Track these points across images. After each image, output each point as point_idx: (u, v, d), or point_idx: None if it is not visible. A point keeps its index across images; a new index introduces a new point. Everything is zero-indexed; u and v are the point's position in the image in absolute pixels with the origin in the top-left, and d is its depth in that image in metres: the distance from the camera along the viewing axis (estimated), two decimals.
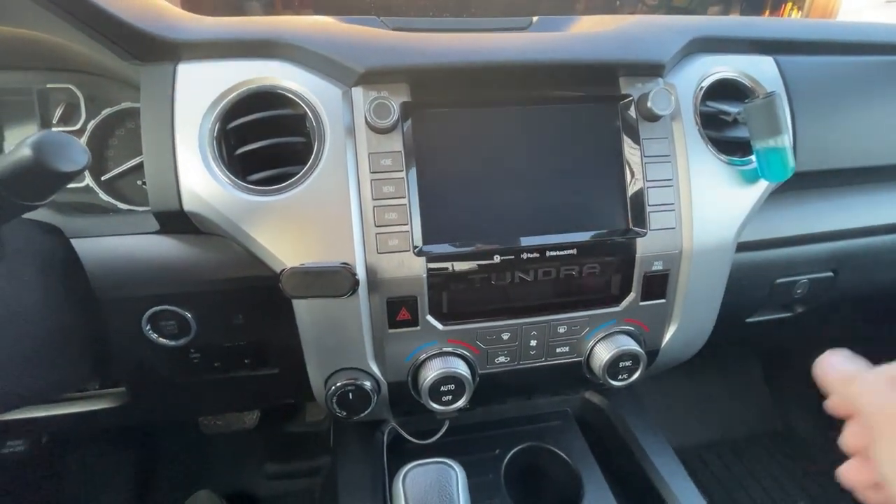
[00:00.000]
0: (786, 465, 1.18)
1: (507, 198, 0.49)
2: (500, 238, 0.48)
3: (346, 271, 0.43)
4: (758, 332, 0.78)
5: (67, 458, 1.04)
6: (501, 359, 0.53)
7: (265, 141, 0.46)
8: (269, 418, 1.20)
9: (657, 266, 0.51)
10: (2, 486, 0.93)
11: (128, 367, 0.58)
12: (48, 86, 0.60)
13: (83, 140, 0.60)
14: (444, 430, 0.66)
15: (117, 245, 0.50)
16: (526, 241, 0.49)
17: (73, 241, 0.49)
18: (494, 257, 0.48)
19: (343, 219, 0.45)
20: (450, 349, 0.51)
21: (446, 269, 0.48)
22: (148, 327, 0.52)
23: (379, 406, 0.52)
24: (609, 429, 0.77)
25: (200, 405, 0.73)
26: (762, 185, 0.55)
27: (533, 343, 0.52)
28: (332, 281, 0.43)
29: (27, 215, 0.43)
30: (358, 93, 0.47)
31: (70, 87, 0.61)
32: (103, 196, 0.61)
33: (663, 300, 0.53)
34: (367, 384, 0.50)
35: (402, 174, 0.46)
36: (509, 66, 0.48)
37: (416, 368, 0.51)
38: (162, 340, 0.53)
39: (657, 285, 0.52)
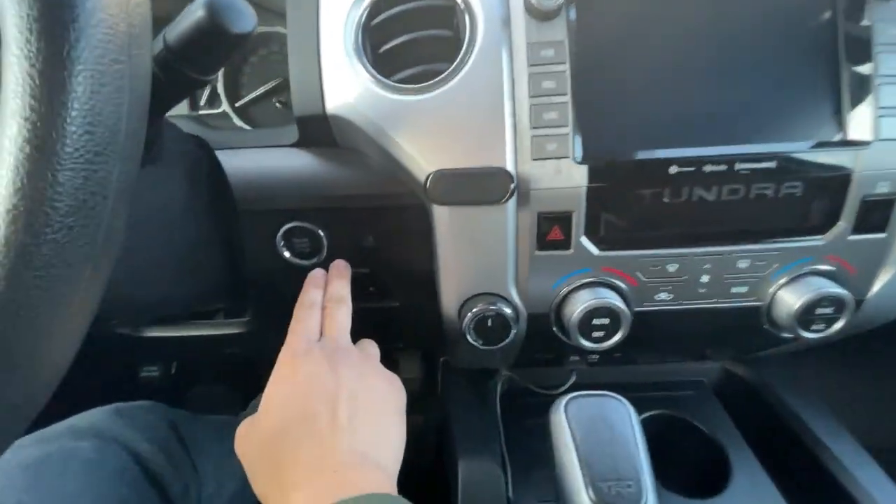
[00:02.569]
0: None
1: (687, 97, 0.41)
2: (677, 145, 0.40)
3: (503, 174, 0.38)
4: None
5: (190, 391, 1.14)
6: (663, 295, 0.45)
7: (414, 33, 0.42)
8: None
9: (882, 188, 0.40)
10: None
11: (258, 290, 0.58)
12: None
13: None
14: (570, 382, 0.60)
15: (258, 157, 0.49)
16: (710, 151, 0.40)
17: (217, 153, 0.49)
18: (670, 168, 0.40)
19: (495, 119, 0.40)
20: (603, 278, 0.44)
21: (610, 180, 0.41)
22: (282, 243, 0.51)
23: (515, 340, 0.47)
24: (759, 406, 0.66)
25: None
26: None
27: (704, 279, 0.44)
28: (486, 185, 0.39)
29: (175, 119, 0.43)
30: None
31: None
32: (237, 122, 0.62)
33: (883, 234, 0.42)
34: (508, 310, 0.45)
35: (565, 67, 0.40)
36: None
37: (563, 299, 0.45)
38: (294, 259, 0.52)
39: (878, 213, 0.41)
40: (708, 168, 0.40)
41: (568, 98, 0.40)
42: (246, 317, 0.65)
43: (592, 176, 0.40)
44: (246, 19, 0.31)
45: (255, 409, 0.36)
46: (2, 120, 0.17)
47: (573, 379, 0.59)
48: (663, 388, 0.67)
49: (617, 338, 0.44)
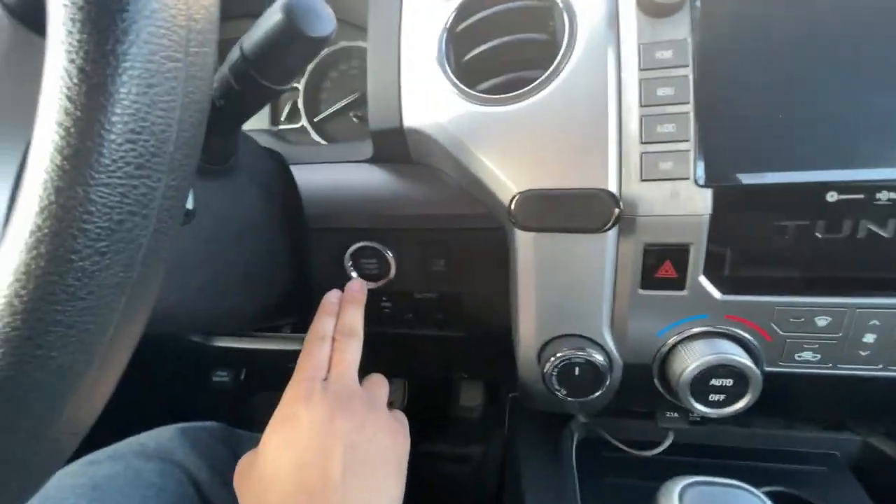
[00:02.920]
0: None
1: (847, 105, 0.32)
2: (836, 166, 0.32)
3: (605, 196, 0.32)
4: None
5: (256, 395, 1.17)
6: (807, 355, 0.35)
7: (505, 37, 0.37)
8: (419, 395, 1.18)
9: None
10: (210, 409, 1.06)
11: None
12: None
13: (302, 81, 0.61)
14: (666, 444, 0.50)
15: (330, 172, 0.47)
16: (880, 174, 0.31)
17: (292, 168, 0.48)
18: (827, 195, 0.31)
19: (597, 133, 0.34)
20: (725, 328, 0.36)
21: (742, 208, 0.33)
22: (350, 264, 0.48)
23: (607, 393, 0.40)
24: None
25: (381, 363, 0.71)
26: None
27: (868, 339, 0.34)
28: (584, 209, 0.32)
29: (251, 133, 0.42)
30: None
31: None
32: (315, 136, 0.62)
33: None
34: (600, 358, 0.38)
35: (688, 71, 0.33)
36: None
37: (671, 350, 0.37)
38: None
39: None
40: (880, 196, 0.31)
41: (690, 107, 0.33)
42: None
43: (718, 202, 0.33)
44: (325, 23, 0.28)
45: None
46: (36, 128, 0.14)
47: (670, 440, 0.49)
48: (785, 459, 0.55)
49: (741, 404, 0.35)
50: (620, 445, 0.52)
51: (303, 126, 0.62)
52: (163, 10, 0.16)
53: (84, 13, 0.14)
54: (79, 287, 0.15)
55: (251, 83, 0.31)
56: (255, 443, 0.54)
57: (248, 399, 1.17)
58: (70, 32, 0.14)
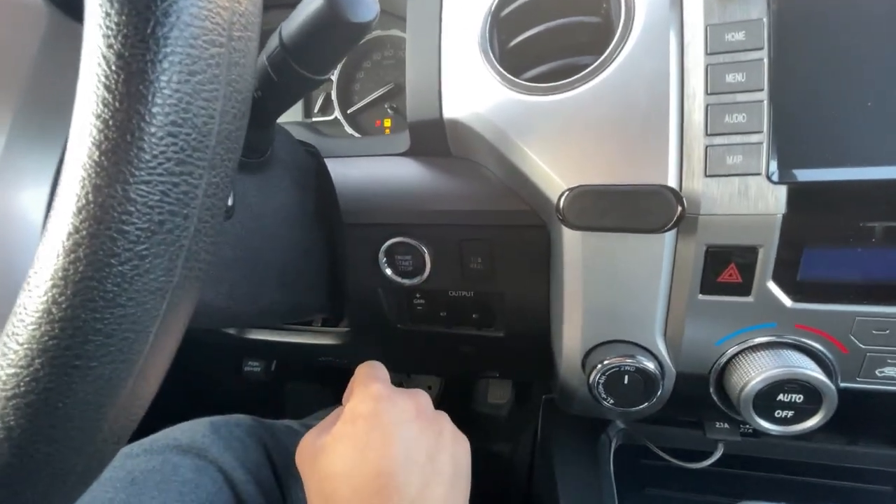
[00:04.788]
0: None
1: None
2: None
3: (667, 193, 0.29)
4: None
5: (286, 385, 1.19)
6: (890, 371, 0.32)
7: (554, 21, 0.35)
8: (449, 392, 1.17)
9: None
10: (241, 396, 1.09)
11: (356, 304, 0.55)
12: None
13: (336, 73, 0.60)
14: (717, 456, 0.47)
15: (365, 166, 0.45)
16: None
17: (326, 161, 0.47)
18: None
19: (656, 123, 0.31)
20: (794, 339, 0.33)
21: (819, 208, 0.30)
22: (384, 260, 0.47)
23: (657, 404, 0.37)
24: None
25: (413, 360, 0.69)
26: None
27: None
28: (642, 207, 0.30)
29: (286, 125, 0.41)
30: None
31: None
32: (348, 129, 0.61)
33: None
34: (651, 366, 0.35)
35: (762, 54, 0.30)
36: None
37: (730, 360, 0.34)
38: (395, 277, 0.47)
39: None
40: None
41: (764, 96, 0.30)
42: (343, 328, 0.63)
43: (793, 200, 0.29)
44: (367, 7, 0.27)
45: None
46: (73, 122, 0.13)
47: (720, 453, 0.46)
48: (844, 477, 0.51)
49: (812, 422, 0.32)
50: (665, 456, 0.49)
51: (336, 118, 0.61)
52: None
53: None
54: (118, 293, 0.14)
55: (290, 73, 0.30)
56: (286, 431, 0.54)
57: (279, 388, 1.19)
58: (108, 14, 0.13)
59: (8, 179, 0.18)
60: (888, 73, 0.29)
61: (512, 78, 0.36)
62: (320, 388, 1.18)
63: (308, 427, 0.55)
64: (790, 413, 0.32)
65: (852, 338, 0.32)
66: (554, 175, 0.34)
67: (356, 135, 0.60)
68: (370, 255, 0.47)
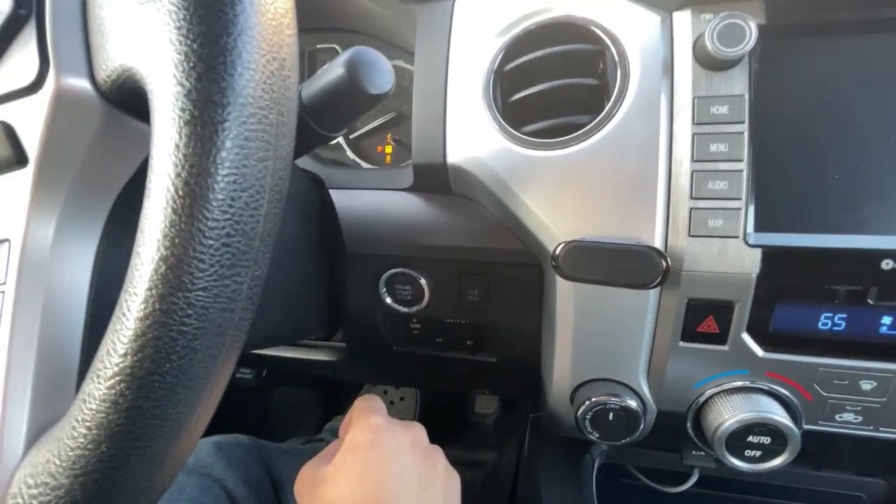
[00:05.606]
0: None
1: None
2: (891, 233, 0.31)
3: (654, 254, 0.32)
4: None
5: (276, 390, 1.20)
6: (848, 416, 0.35)
7: (553, 82, 0.37)
8: (435, 399, 1.19)
9: None
10: (231, 401, 1.09)
11: (353, 325, 0.57)
12: (317, 46, 0.63)
13: None
14: (692, 481, 0.50)
15: (370, 199, 0.47)
16: None
17: (331, 192, 0.48)
18: (883, 263, 0.31)
19: (645, 184, 0.34)
20: (765, 385, 0.36)
21: (792, 270, 0.32)
22: (384, 289, 0.49)
23: (639, 437, 0.40)
24: None
25: (409, 376, 0.71)
26: None
27: None
28: (632, 265, 0.32)
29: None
30: (683, 17, 0.34)
31: (335, 46, 0.62)
32: (350, 154, 0.62)
33: None
34: (633, 404, 0.38)
35: (743, 128, 0.32)
36: None
37: (707, 401, 0.37)
38: (394, 305, 0.49)
39: None
40: None
41: (743, 165, 0.32)
42: (337, 342, 0.64)
43: (767, 262, 0.32)
44: (384, 79, 0.29)
45: (330, 432, 0.35)
46: (139, 236, 0.15)
47: (695, 478, 0.49)
48: (809, 499, 0.55)
49: (777, 462, 0.35)
50: (645, 480, 0.52)
51: (338, 143, 0.62)
52: (258, 112, 0.16)
53: (191, 127, 0.15)
54: (175, 383, 0.16)
55: (306, 129, 0.31)
56: (288, 459, 0.56)
57: (269, 394, 1.20)
58: (177, 147, 0.15)
59: (57, 262, 0.19)
60: (852, 150, 0.32)
61: (513, 131, 0.38)
62: (310, 393, 1.20)
63: (298, 450, 0.57)
64: (758, 453, 0.35)
65: (816, 386, 0.35)
66: (550, 225, 0.36)
67: (358, 160, 0.62)
68: (370, 284, 0.49)
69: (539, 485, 0.60)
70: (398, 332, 0.55)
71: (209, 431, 0.53)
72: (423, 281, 0.47)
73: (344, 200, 0.48)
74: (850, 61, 0.32)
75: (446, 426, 1.18)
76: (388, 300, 0.49)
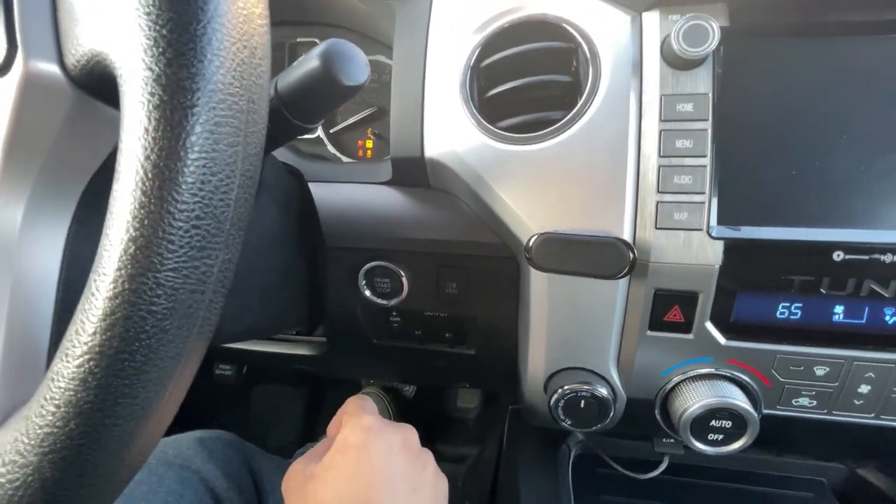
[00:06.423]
0: None
1: (857, 168, 0.33)
2: (842, 225, 0.33)
3: (622, 245, 0.33)
4: None
5: (256, 387, 1.19)
6: (803, 401, 0.37)
7: (528, 79, 0.38)
8: (417, 394, 1.20)
9: None
10: (211, 399, 1.08)
11: (333, 319, 0.57)
12: (298, 40, 0.63)
13: None
14: (662, 467, 0.52)
15: (349, 192, 0.48)
16: (885, 237, 0.32)
17: (311, 185, 0.48)
18: (834, 254, 0.33)
19: (615, 178, 0.35)
20: (727, 372, 0.37)
21: (751, 261, 0.34)
22: (364, 282, 0.49)
23: (610, 424, 0.42)
24: None
25: (391, 370, 0.72)
26: None
27: (863, 389, 0.36)
28: (601, 256, 0.34)
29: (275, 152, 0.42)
30: (652, 18, 0.36)
31: (315, 40, 0.62)
32: (330, 148, 0.62)
33: None
34: (604, 392, 0.39)
35: (706, 125, 0.34)
36: None
37: (673, 388, 0.39)
38: (374, 298, 0.50)
39: None
40: (885, 258, 0.32)
41: (707, 161, 0.34)
42: (318, 336, 0.65)
43: (729, 254, 0.34)
44: (359, 71, 0.29)
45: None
46: (109, 218, 0.15)
47: (665, 465, 0.51)
48: (773, 484, 0.57)
49: (738, 444, 0.37)
50: (617, 467, 0.54)
51: (318, 137, 0.62)
52: (228, 99, 0.17)
53: (160, 111, 0.15)
54: (144, 362, 0.16)
55: (283, 121, 0.32)
56: (267, 460, 0.56)
57: (246, 390, 1.19)
58: (146, 130, 0.15)
59: (26, 245, 0.19)
60: (808, 147, 0.34)
61: (489, 126, 0.39)
62: (291, 388, 1.19)
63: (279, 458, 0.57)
64: (721, 436, 0.37)
65: (774, 372, 0.36)
66: (524, 218, 0.37)
67: (338, 154, 0.62)
68: (350, 277, 0.49)
69: (517, 475, 0.62)
70: (378, 325, 0.56)
71: (189, 428, 0.53)
72: (402, 274, 0.48)
73: (323, 194, 0.48)
74: (807, 63, 0.34)
75: (428, 421, 1.19)
76: (368, 293, 0.50)
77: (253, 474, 0.49)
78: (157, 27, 0.15)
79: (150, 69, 0.15)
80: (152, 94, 0.15)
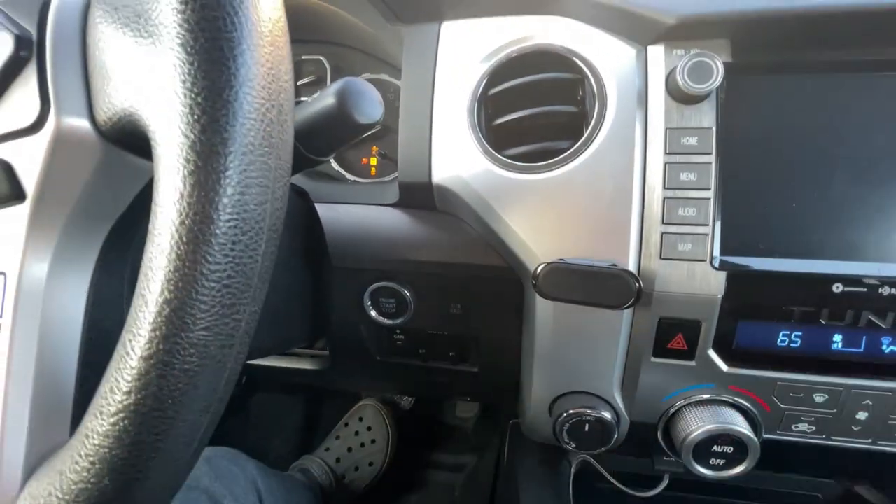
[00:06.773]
0: None
1: (858, 203, 0.34)
2: (843, 258, 0.34)
3: (628, 276, 0.34)
4: None
5: (255, 396, 1.19)
6: (803, 426, 0.38)
7: (535, 108, 0.39)
8: (417, 404, 1.20)
9: None
10: None
11: (337, 336, 0.58)
12: (302, 57, 0.64)
13: None
14: (663, 486, 0.53)
15: (356, 213, 0.48)
16: (883, 270, 0.33)
17: (317, 206, 0.49)
18: (834, 286, 0.34)
19: (620, 209, 0.36)
20: (729, 398, 0.38)
21: (754, 292, 0.35)
22: (369, 302, 0.49)
23: (613, 447, 0.42)
24: None
25: (393, 385, 0.72)
26: None
27: (861, 416, 0.36)
28: (607, 287, 0.34)
29: None
30: (657, 52, 0.36)
31: (320, 58, 0.63)
32: (335, 165, 0.63)
33: None
34: (608, 415, 0.40)
35: (711, 158, 0.35)
36: (881, 12, 0.33)
37: (676, 413, 0.39)
38: (380, 318, 0.50)
39: None
40: (884, 290, 0.33)
41: (711, 194, 0.35)
42: (319, 350, 0.65)
43: (731, 284, 0.35)
44: (373, 109, 0.30)
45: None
46: (143, 279, 0.16)
47: (665, 483, 0.52)
48: (770, 500, 0.58)
49: (739, 469, 0.37)
50: (619, 485, 0.55)
51: None
52: (258, 160, 0.17)
53: (195, 177, 0.16)
54: (175, 418, 0.16)
55: (296, 154, 0.32)
56: (271, 478, 0.56)
57: (247, 400, 1.19)
58: (182, 196, 0.15)
59: (53, 293, 0.20)
60: (808, 181, 0.35)
61: (496, 154, 0.39)
62: (287, 399, 1.19)
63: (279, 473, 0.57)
64: (722, 461, 0.37)
65: (774, 399, 0.37)
66: (530, 245, 0.38)
67: (343, 171, 0.62)
68: (356, 297, 0.50)
69: (518, 488, 0.62)
70: (382, 343, 0.56)
71: None
72: (407, 294, 0.48)
73: (330, 215, 0.49)
74: (808, 98, 0.35)
75: (431, 428, 1.19)
76: (373, 313, 0.50)
77: (258, 493, 0.49)
78: (193, 94, 0.16)
79: (186, 136, 0.16)
80: (188, 161, 0.16)
